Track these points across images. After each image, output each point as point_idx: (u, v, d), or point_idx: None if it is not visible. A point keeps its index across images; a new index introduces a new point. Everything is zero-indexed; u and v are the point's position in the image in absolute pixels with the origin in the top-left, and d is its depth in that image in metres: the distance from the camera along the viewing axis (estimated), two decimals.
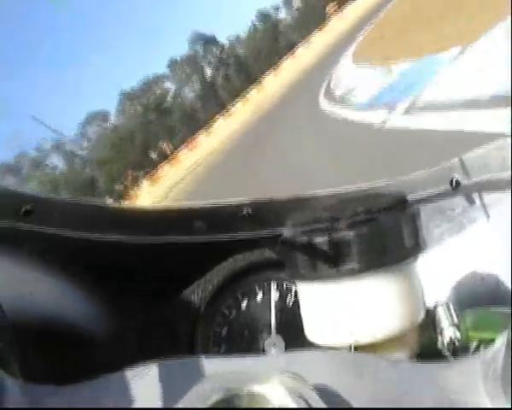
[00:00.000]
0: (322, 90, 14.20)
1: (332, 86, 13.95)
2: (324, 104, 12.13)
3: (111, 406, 0.40)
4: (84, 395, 0.41)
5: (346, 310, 0.46)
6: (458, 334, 0.50)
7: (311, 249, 0.46)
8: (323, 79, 15.79)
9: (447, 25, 8.71)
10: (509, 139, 0.66)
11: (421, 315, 0.48)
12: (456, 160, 0.71)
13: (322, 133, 9.35)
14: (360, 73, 12.58)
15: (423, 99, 6.66)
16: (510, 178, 0.65)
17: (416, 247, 0.47)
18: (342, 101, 10.90)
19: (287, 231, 0.51)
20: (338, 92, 12.44)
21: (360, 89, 10.73)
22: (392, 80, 9.28)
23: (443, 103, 5.89)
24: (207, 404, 0.37)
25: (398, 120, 6.74)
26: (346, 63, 16.23)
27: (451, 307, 0.53)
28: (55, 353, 0.75)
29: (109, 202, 0.75)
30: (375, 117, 7.52)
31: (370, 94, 9.46)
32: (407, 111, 6.76)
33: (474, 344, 0.54)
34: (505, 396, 0.36)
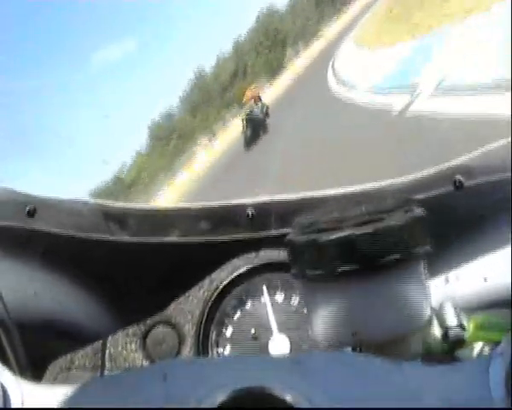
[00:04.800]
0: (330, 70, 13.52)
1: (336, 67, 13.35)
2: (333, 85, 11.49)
3: (114, 405, 0.40)
4: (86, 395, 0.41)
5: (350, 310, 0.46)
6: (463, 335, 0.50)
7: (315, 250, 0.46)
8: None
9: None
10: (509, 140, 0.66)
11: (426, 316, 0.48)
12: (459, 160, 0.71)
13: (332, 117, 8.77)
14: (362, 56, 12.06)
15: (451, 80, 6.02)
16: (511, 179, 0.65)
17: (421, 248, 0.47)
18: (348, 84, 10.39)
19: (291, 232, 0.51)
20: (343, 76, 11.84)
21: (363, 73, 10.24)
22: (396, 64, 8.81)
23: (472, 85, 5.36)
24: (212, 404, 0.37)
25: (423, 103, 6.03)
26: (348, 46, 15.54)
27: (457, 307, 0.52)
28: (58, 352, 0.75)
29: (112, 202, 0.75)
30: (394, 101, 6.83)
31: (374, 79, 8.96)
32: (434, 93, 6.07)
33: (479, 345, 0.54)
34: (510, 397, 0.36)
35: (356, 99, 8.98)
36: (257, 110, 12.31)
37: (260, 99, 12.59)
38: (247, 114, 12.54)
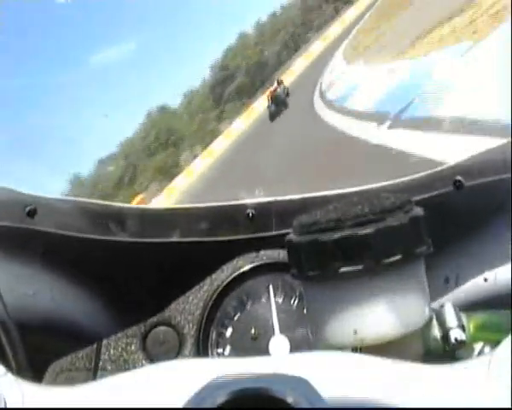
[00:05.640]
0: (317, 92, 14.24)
1: (324, 88, 13.84)
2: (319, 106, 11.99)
3: (115, 406, 0.40)
4: (87, 396, 0.41)
5: (350, 310, 0.46)
6: (464, 335, 0.50)
7: (316, 250, 0.46)
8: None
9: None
10: (509, 140, 0.66)
11: (426, 316, 0.48)
12: (459, 161, 0.71)
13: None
14: (355, 73, 12.19)
15: (408, 114, 6.12)
16: (511, 179, 0.65)
17: (421, 248, 0.47)
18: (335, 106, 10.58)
19: (291, 232, 0.51)
20: (330, 96, 12.17)
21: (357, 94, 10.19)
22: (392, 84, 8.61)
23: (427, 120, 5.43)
24: (212, 405, 0.37)
25: (382, 135, 6.13)
26: (337, 62, 15.94)
27: (456, 308, 0.52)
28: (58, 353, 0.75)
29: (112, 202, 0.75)
30: (367, 128, 6.99)
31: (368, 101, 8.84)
32: (391, 126, 6.22)
33: (479, 345, 0.54)
34: (511, 397, 0.36)
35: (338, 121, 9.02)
36: (280, 90, 15.68)
37: (282, 82, 16.21)
38: (272, 93, 15.96)
